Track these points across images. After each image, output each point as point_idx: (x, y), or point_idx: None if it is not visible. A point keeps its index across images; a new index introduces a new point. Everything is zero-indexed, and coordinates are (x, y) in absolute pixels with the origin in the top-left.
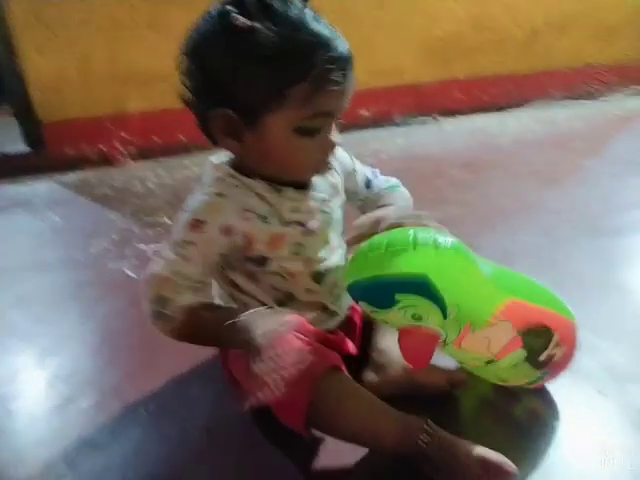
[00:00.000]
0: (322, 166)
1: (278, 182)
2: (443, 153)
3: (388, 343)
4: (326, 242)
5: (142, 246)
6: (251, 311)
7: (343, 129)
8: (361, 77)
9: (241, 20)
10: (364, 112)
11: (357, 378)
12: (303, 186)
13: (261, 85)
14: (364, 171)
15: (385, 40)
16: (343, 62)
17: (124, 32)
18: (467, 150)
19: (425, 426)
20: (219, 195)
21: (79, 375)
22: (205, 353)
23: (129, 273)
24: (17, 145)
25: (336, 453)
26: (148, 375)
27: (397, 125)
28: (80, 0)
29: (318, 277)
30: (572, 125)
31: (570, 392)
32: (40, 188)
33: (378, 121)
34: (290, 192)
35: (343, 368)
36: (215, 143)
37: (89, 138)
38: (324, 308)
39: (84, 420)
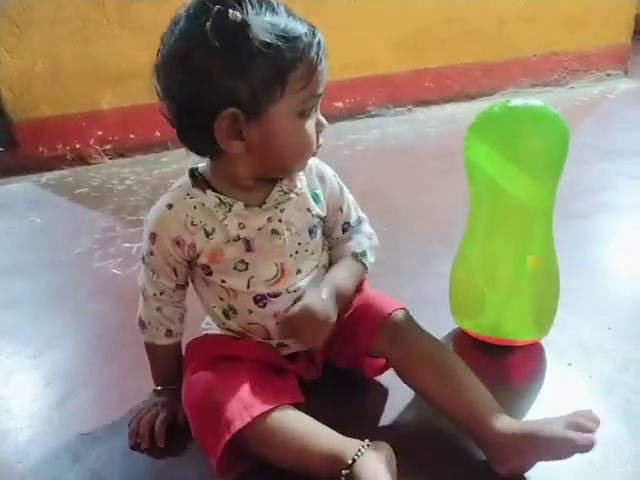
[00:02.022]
0: (317, 148)
1: (267, 179)
2: (417, 143)
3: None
4: (275, 264)
5: (126, 244)
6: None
7: None
8: (335, 69)
9: (234, 14)
10: (339, 104)
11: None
12: (259, 204)
13: (264, 75)
14: (350, 215)
15: (358, 32)
16: (322, 44)
17: (94, 29)
18: (440, 139)
19: (348, 461)
20: (169, 207)
21: (76, 373)
22: None
23: (116, 272)
24: None
25: None
26: (145, 370)
27: (372, 116)
28: (49, 1)
29: (261, 300)
30: None
31: (543, 364)
32: (17, 189)
33: (353, 112)
34: (239, 208)
35: (283, 406)
36: (208, 154)
37: (64, 137)
38: (268, 335)
39: (84, 414)
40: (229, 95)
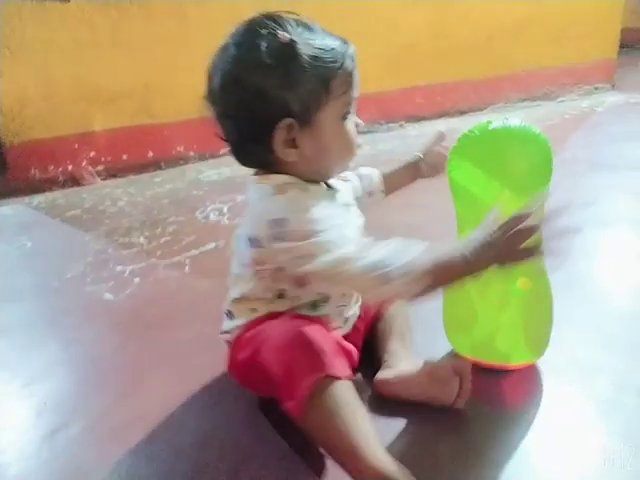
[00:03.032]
0: (358, 148)
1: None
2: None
3: (397, 346)
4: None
5: (119, 267)
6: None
7: None
8: None
9: (283, 35)
10: None
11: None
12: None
13: (311, 85)
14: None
15: None
16: (355, 55)
17: (87, 51)
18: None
19: None
20: (301, 191)
21: (67, 402)
22: (193, 373)
23: (108, 296)
24: None
25: None
26: (137, 398)
27: (364, 132)
28: (40, 23)
29: None
30: None
31: (539, 386)
32: (7, 212)
33: None
34: (338, 193)
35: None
36: (263, 165)
37: (55, 158)
38: (342, 315)
39: (74, 448)
40: (284, 107)
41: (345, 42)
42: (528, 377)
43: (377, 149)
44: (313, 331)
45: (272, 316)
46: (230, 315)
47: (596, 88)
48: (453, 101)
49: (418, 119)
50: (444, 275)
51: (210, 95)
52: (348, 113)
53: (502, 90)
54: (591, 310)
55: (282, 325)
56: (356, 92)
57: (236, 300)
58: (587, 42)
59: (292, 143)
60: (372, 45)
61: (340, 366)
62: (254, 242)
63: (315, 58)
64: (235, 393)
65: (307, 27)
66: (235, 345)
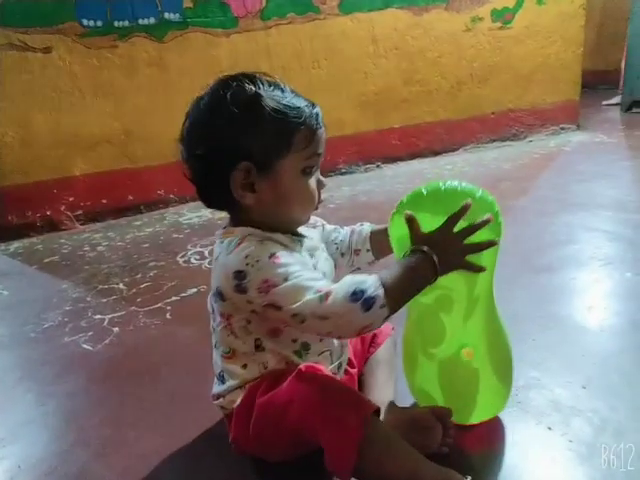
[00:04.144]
0: (318, 203)
1: (283, 232)
2: (387, 199)
3: (380, 395)
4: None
5: (98, 316)
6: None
7: None
8: None
9: (249, 87)
10: None
11: None
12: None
13: (273, 136)
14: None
15: (324, 96)
16: (320, 115)
17: (67, 99)
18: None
19: None
20: (260, 242)
21: (43, 463)
22: (176, 427)
23: (86, 347)
24: None
25: None
26: (117, 454)
27: (342, 173)
28: (21, 71)
29: None
30: (500, 166)
31: (521, 429)
32: None
33: (324, 171)
34: (304, 240)
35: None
36: (223, 206)
37: (34, 204)
38: (331, 360)
39: None
40: (244, 151)
41: (312, 104)
42: (506, 421)
43: (356, 189)
44: (331, 379)
45: (272, 378)
46: (221, 378)
47: (562, 128)
48: (427, 142)
49: (394, 159)
50: (403, 292)
51: (180, 137)
52: (310, 168)
53: (473, 131)
54: (570, 350)
55: (298, 384)
56: (320, 150)
57: (226, 356)
58: (551, 85)
59: (250, 187)
60: (348, 90)
61: (370, 401)
62: (219, 295)
63: (278, 111)
64: (219, 449)
65: (278, 87)
66: (241, 415)
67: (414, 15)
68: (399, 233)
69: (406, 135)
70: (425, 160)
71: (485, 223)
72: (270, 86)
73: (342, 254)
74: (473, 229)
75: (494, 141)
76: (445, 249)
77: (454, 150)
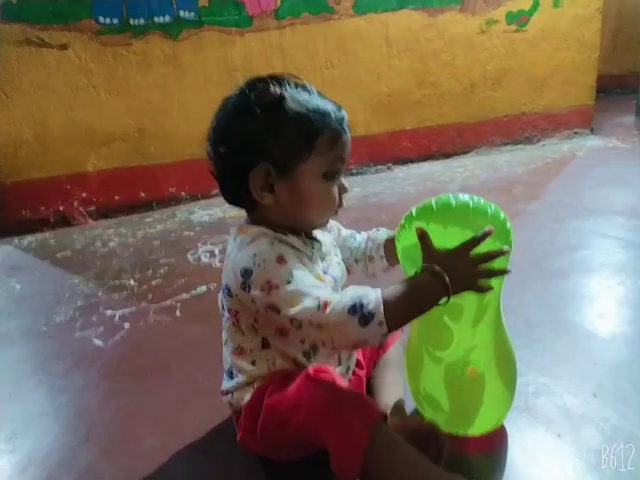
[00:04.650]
0: (338, 208)
1: (297, 234)
2: (398, 200)
3: (388, 399)
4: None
5: (109, 312)
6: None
7: None
8: None
9: (274, 89)
10: None
11: None
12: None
13: (294, 140)
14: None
15: (336, 96)
16: (346, 120)
17: (82, 95)
18: (419, 197)
19: None
20: (271, 243)
21: (53, 456)
22: (184, 424)
23: (97, 342)
24: None
25: None
26: (126, 450)
27: (353, 174)
28: (38, 68)
29: None
30: (513, 170)
31: (530, 436)
32: None
33: None
34: (316, 243)
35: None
36: (242, 204)
37: (47, 199)
38: (339, 362)
39: None
40: (264, 152)
41: (338, 108)
42: (515, 427)
43: (367, 190)
44: (338, 385)
45: (280, 379)
46: (230, 374)
47: (575, 133)
48: (438, 144)
49: (405, 161)
50: (405, 312)
51: (208, 136)
52: (332, 173)
53: (485, 134)
54: (580, 357)
55: (305, 387)
56: (344, 154)
57: (235, 352)
58: (565, 89)
59: (270, 188)
60: (361, 91)
61: (378, 405)
62: (227, 291)
63: (301, 115)
64: (227, 446)
65: (305, 89)
66: (249, 415)
67: (428, 16)
68: (406, 244)
69: (418, 137)
70: (436, 162)
71: (502, 254)
72: (297, 88)
73: (356, 260)
74: (490, 256)
75: (506, 144)
76: (459, 272)
77: (466, 153)
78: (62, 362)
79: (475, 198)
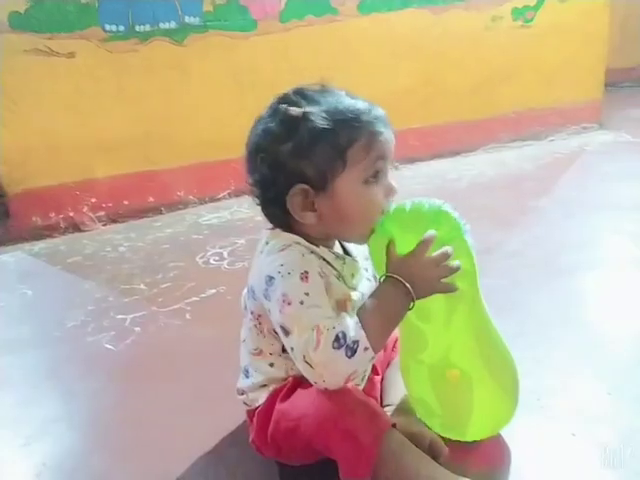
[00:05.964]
0: (387, 209)
1: (330, 247)
2: (405, 200)
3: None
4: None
5: (120, 316)
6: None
7: None
8: None
9: (294, 110)
10: None
11: None
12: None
13: (325, 156)
14: None
15: None
16: (381, 117)
17: (90, 102)
18: (426, 195)
19: None
20: (301, 254)
21: (67, 462)
22: (196, 429)
23: (109, 346)
24: None
25: None
26: (140, 455)
27: None
28: (46, 76)
29: None
30: (522, 166)
31: (544, 435)
32: (8, 260)
33: None
34: (348, 259)
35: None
36: (283, 225)
37: (57, 205)
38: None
39: None
40: (298, 175)
41: (370, 108)
42: (529, 426)
43: None
44: (349, 394)
45: (294, 383)
46: (246, 372)
47: (584, 127)
48: (446, 142)
49: (412, 160)
50: (383, 327)
51: (244, 163)
52: (373, 176)
53: (493, 131)
54: (595, 356)
55: (316, 395)
56: (385, 153)
57: (254, 353)
58: (573, 84)
59: (311, 206)
60: (367, 91)
61: (386, 416)
62: (252, 293)
63: (326, 130)
64: (240, 450)
65: (333, 97)
66: (261, 418)
67: (433, 15)
68: (377, 246)
69: (425, 135)
70: (444, 160)
71: (451, 254)
72: (324, 97)
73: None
74: (444, 256)
75: (515, 141)
76: (418, 277)
77: (474, 150)
78: (74, 367)
79: (432, 202)
